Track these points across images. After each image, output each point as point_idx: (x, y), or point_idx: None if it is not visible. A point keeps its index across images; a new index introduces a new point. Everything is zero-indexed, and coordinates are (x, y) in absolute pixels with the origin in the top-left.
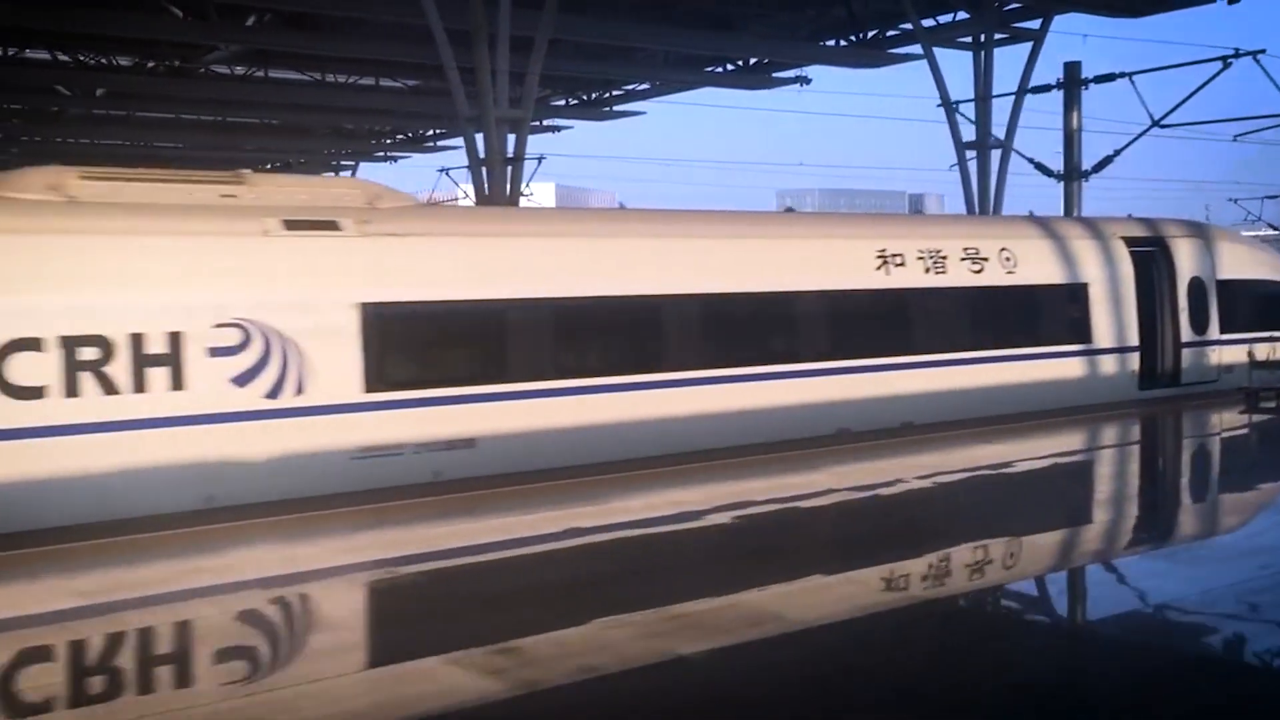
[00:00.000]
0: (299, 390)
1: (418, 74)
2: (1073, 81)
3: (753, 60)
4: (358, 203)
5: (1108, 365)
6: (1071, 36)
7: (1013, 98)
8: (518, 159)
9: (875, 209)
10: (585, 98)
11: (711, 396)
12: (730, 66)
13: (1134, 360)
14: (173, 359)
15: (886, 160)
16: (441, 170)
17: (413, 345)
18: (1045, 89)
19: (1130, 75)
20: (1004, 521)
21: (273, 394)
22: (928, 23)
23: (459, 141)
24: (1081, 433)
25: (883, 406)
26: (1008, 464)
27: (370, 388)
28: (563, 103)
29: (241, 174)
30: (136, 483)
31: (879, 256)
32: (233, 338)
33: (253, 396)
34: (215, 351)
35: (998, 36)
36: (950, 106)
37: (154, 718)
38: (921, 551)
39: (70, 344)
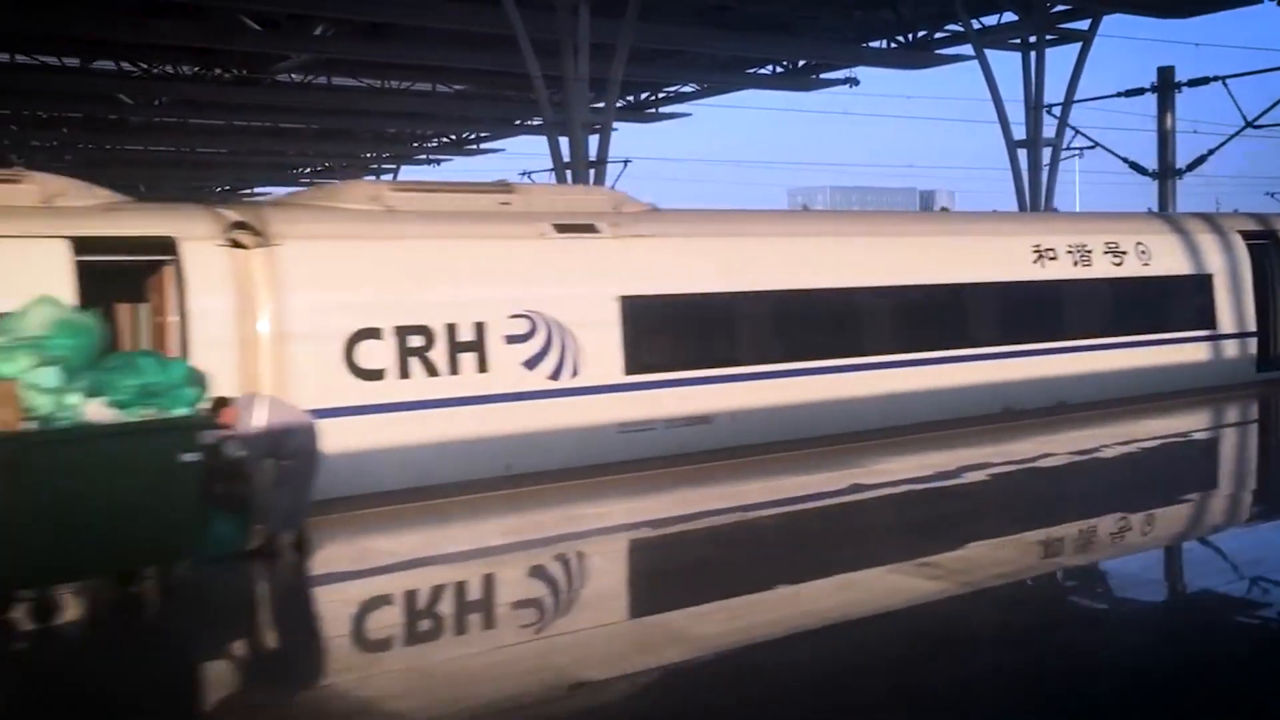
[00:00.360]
0: (574, 373)
1: (468, 79)
2: (1167, 85)
3: (801, 62)
4: (606, 208)
5: (1229, 349)
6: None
7: (1098, 100)
8: (601, 161)
9: (886, 205)
10: (630, 100)
11: (901, 378)
12: (779, 68)
13: (1252, 345)
14: (478, 346)
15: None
16: (523, 174)
17: (660, 334)
18: (1139, 92)
19: (1224, 79)
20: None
21: (554, 375)
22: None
23: (501, 145)
24: (1211, 410)
25: (1041, 387)
26: (1167, 436)
27: (629, 371)
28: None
29: (509, 184)
30: (455, 452)
31: (1035, 251)
32: (523, 327)
33: (540, 378)
34: (510, 339)
35: (1030, 38)
36: (1039, 107)
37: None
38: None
39: (402, 333)
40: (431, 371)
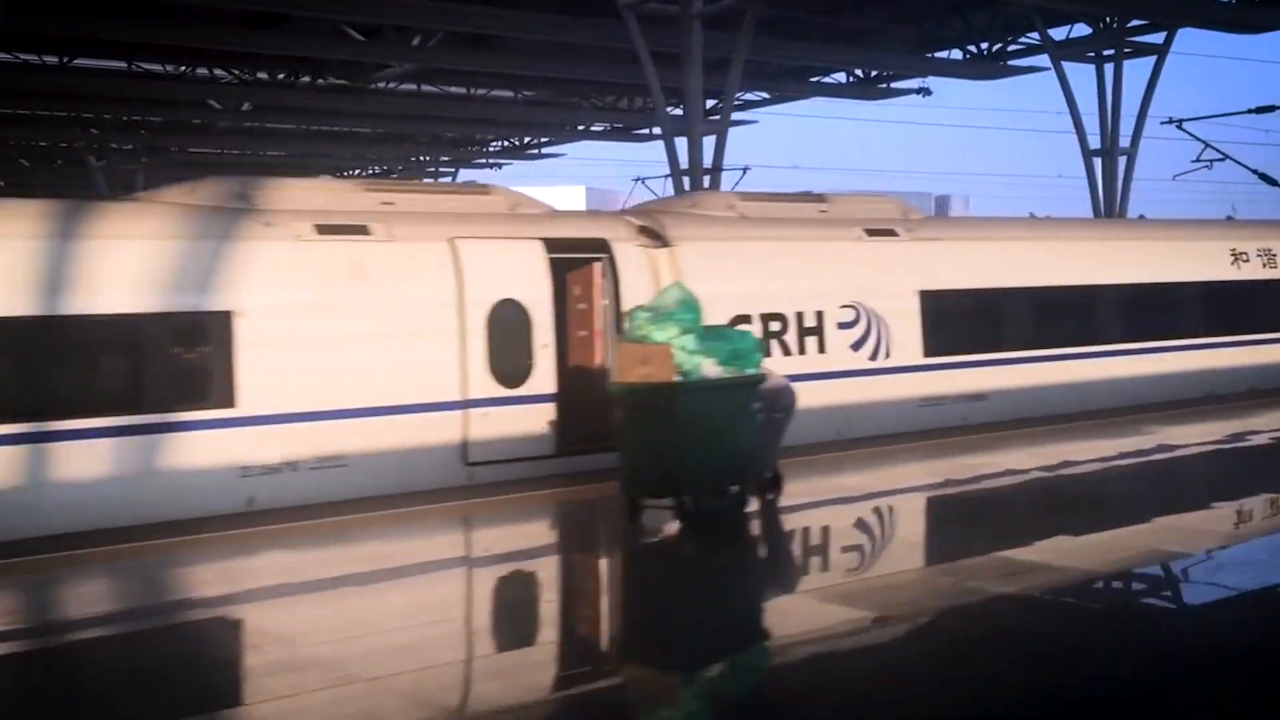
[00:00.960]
0: (887, 355)
1: (540, 85)
2: None
3: (872, 72)
4: (898, 215)
5: None
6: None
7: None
8: (716, 169)
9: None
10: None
11: (1126, 365)
12: (850, 77)
13: None
14: (818, 331)
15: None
16: (637, 179)
17: (948, 323)
18: (1270, 109)
19: None
20: None
21: (873, 357)
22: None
23: (564, 149)
24: None
25: (1236, 375)
26: None
27: (927, 354)
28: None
29: (822, 194)
30: (805, 420)
31: (1232, 254)
32: (849, 316)
33: (862, 358)
34: (840, 326)
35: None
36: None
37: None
38: None
39: (765, 319)
40: (786, 351)
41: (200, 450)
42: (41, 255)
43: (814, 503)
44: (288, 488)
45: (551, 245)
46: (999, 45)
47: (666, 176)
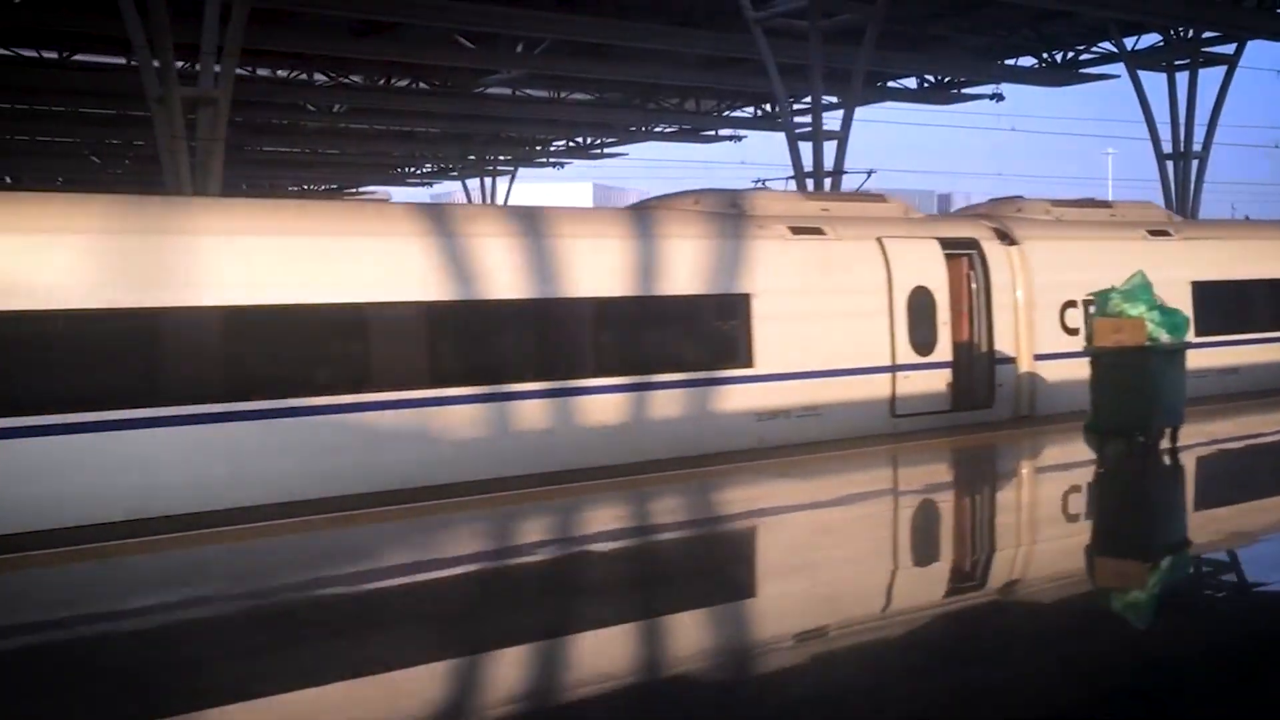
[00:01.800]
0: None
1: (613, 88)
2: None
3: (946, 78)
4: (1161, 218)
5: None
6: None
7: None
8: (838, 171)
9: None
10: (765, 110)
11: None
12: (924, 82)
13: None
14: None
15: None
16: (758, 181)
17: (1210, 307)
18: None
19: None
20: None
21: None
22: (1105, 45)
23: (623, 150)
24: None
25: None
26: None
27: (1197, 333)
28: (751, 113)
29: (1107, 201)
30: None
31: None
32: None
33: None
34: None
35: (1182, 61)
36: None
37: None
38: None
39: (1085, 304)
40: (1070, 333)
41: (733, 400)
42: (630, 251)
43: (1206, 442)
44: (782, 431)
45: (943, 243)
46: (1072, 54)
47: (789, 178)
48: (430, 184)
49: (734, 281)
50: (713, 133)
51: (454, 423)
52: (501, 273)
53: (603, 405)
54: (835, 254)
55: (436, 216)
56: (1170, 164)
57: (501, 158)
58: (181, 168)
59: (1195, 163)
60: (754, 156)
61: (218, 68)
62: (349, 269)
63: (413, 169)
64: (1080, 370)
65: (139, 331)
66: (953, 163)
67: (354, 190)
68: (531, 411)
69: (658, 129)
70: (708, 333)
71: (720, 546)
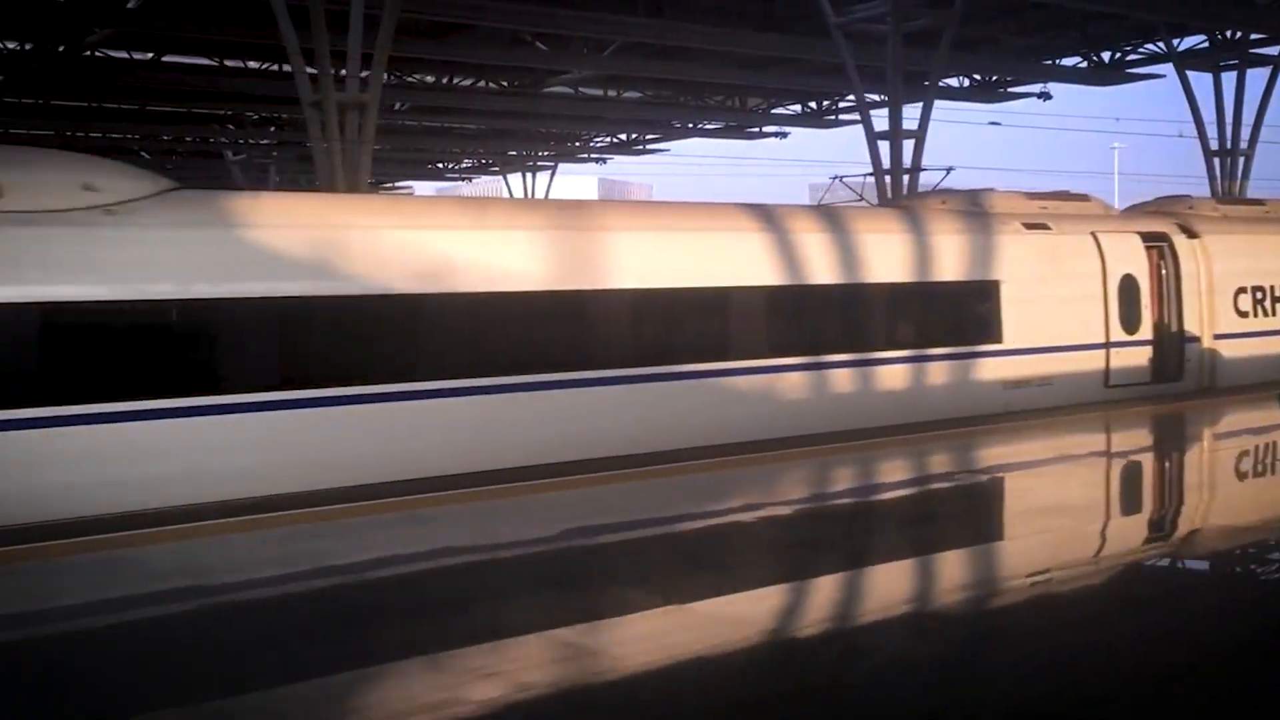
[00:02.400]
0: None
1: (662, 86)
2: None
3: (993, 77)
4: None
5: None
6: None
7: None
8: (916, 169)
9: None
10: (811, 107)
11: None
12: (970, 82)
13: None
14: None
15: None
16: (834, 177)
17: None
18: None
19: None
20: None
21: None
22: (1150, 47)
23: (668, 145)
24: None
25: None
26: None
27: None
28: (796, 111)
29: (1261, 199)
30: (1261, 363)
31: None
32: None
33: None
34: None
35: (1228, 61)
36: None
37: None
38: None
39: (1252, 290)
40: (1267, 312)
41: (987, 370)
42: (909, 245)
43: None
44: (1023, 397)
45: (1142, 236)
46: (1119, 55)
47: (868, 175)
48: (469, 179)
49: (987, 270)
50: (757, 129)
51: (788, 386)
52: (818, 263)
53: (891, 374)
54: (1060, 246)
55: (766, 216)
56: (1217, 160)
57: (544, 154)
58: (336, 167)
59: (1241, 159)
60: (796, 153)
61: (365, 73)
62: (719, 259)
63: (449, 164)
64: (1249, 348)
65: (623, 307)
66: (989, 159)
67: (390, 185)
68: (842, 378)
69: (703, 125)
70: (969, 313)
71: (991, 493)
